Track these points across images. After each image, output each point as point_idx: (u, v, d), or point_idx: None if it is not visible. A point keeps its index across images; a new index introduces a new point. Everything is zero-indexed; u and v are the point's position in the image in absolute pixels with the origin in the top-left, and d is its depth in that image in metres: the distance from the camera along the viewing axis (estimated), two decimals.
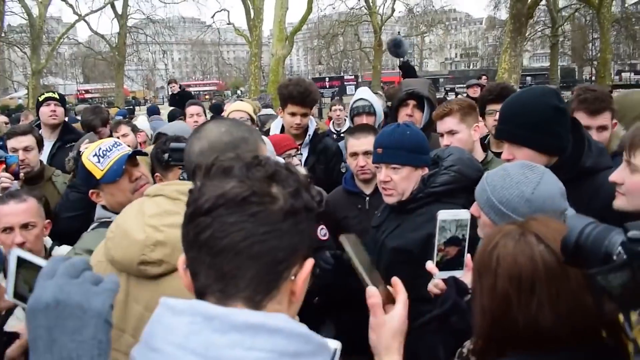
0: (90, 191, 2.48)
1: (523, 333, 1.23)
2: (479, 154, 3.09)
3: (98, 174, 2.41)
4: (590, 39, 50.08)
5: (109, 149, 2.46)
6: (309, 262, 1.04)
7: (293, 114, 3.93)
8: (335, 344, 1.05)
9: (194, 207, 0.97)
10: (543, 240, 1.26)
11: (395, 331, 1.23)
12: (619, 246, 0.97)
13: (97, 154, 2.44)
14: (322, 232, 2.91)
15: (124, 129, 5.16)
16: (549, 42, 43.54)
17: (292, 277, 1.01)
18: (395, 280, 1.30)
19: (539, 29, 46.66)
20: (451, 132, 3.06)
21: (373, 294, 1.23)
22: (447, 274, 1.83)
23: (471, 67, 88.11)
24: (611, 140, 2.94)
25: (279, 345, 0.91)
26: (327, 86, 26.82)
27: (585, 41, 52.59)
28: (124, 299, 1.62)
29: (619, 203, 1.95)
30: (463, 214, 1.84)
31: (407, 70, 5.53)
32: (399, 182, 2.52)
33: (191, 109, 6.06)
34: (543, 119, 2.27)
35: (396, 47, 5.79)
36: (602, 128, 2.94)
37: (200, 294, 0.98)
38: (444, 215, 1.82)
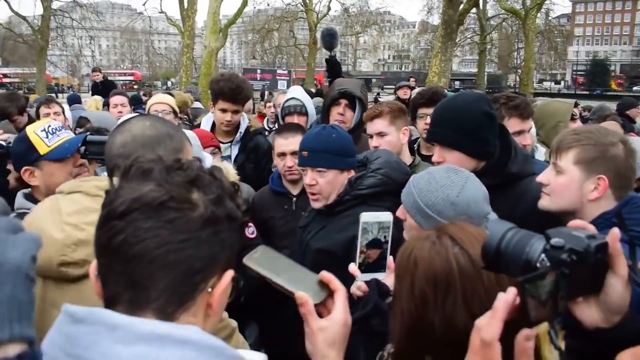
0: (25, 168, 2.31)
1: (440, 336, 1.21)
2: (407, 157, 3.14)
3: (43, 149, 2.29)
4: (516, 48, 52.44)
5: (59, 129, 2.38)
6: (229, 274, 0.98)
7: (224, 111, 3.84)
8: (260, 357, 1.02)
9: (108, 209, 0.92)
10: (458, 243, 1.26)
11: (332, 339, 1.17)
12: (542, 253, 0.96)
13: (45, 130, 2.34)
14: (250, 230, 2.86)
15: (56, 107, 4.85)
16: (478, 48, 45.00)
17: (210, 289, 0.94)
18: (329, 276, 1.23)
19: (468, 36, 48.32)
20: (380, 134, 3.09)
21: (303, 303, 1.16)
22: (369, 276, 1.81)
23: (403, 69, 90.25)
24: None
25: (188, 358, 0.84)
26: (259, 78, 25.03)
27: (511, 50, 54.98)
28: (41, 305, 1.51)
29: (544, 203, 2.04)
30: (385, 216, 1.82)
31: (333, 66, 5.46)
32: (325, 185, 2.49)
33: (115, 99, 5.81)
34: (474, 125, 2.32)
35: (331, 37, 5.69)
36: (528, 132, 3.05)
37: (109, 303, 0.92)
38: (367, 217, 1.80)
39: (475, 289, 1.20)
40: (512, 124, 2.81)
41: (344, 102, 3.59)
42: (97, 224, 0.93)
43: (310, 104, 4.27)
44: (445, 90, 4.28)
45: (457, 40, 26.65)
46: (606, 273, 1.03)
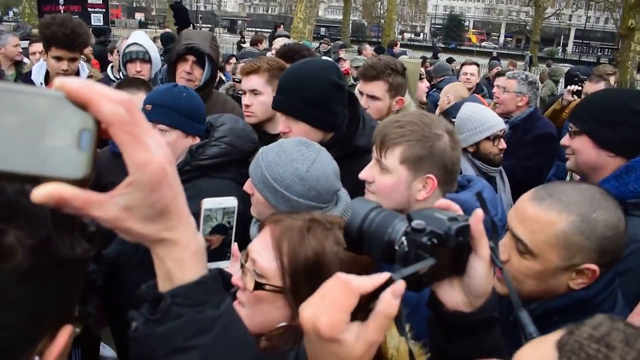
0: None
1: None
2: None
3: None
4: None
5: None
6: (65, 332, 0.72)
7: (59, 59, 3.52)
8: None
9: None
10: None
11: (133, 201, 0.73)
12: (402, 236, 0.93)
13: None
14: None
15: None
16: None
17: (36, 358, 0.69)
18: (75, 88, 0.67)
19: None
20: (254, 92, 2.80)
21: (59, 196, 0.62)
22: (212, 266, 1.67)
23: (270, 11, 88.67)
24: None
25: None
26: (62, 11, 17.63)
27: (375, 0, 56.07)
28: None
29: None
30: (229, 202, 1.71)
31: (179, 12, 5.06)
32: None
33: None
34: (322, 95, 2.22)
35: None
36: (373, 97, 3.02)
37: None
38: (209, 203, 1.67)
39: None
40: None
41: (191, 58, 3.26)
42: None
43: (155, 51, 3.97)
44: (307, 48, 4.07)
45: None
46: (469, 255, 1.01)
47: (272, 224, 1.29)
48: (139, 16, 63.82)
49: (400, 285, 0.82)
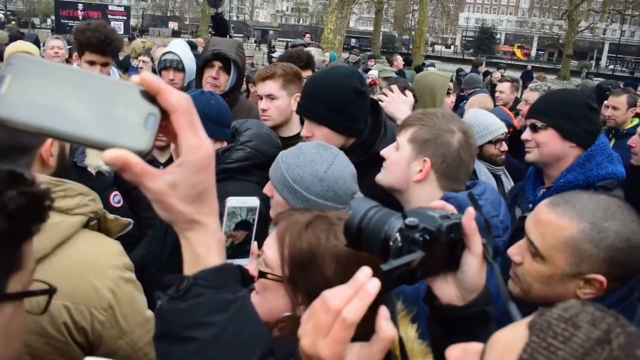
0: None
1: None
2: (295, 126, 3.01)
3: None
4: (411, 10, 53.58)
5: None
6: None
7: (92, 63, 3.60)
8: None
9: None
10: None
11: (190, 190, 0.84)
12: (397, 232, 0.98)
13: None
14: (116, 198, 2.65)
15: None
16: (375, 7, 45.47)
17: None
18: (152, 81, 0.80)
19: None
20: (270, 97, 2.94)
21: (124, 163, 0.73)
22: (232, 263, 1.73)
23: (301, 22, 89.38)
24: None
25: None
26: (80, 17, 16.59)
27: (407, 11, 56.16)
28: None
29: (379, 176, 2.03)
30: (252, 201, 1.77)
31: (219, 23, 5.23)
32: None
33: None
34: (343, 101, 2.28)
35: None
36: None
37: None
38: (233, 202, 1.73)
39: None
40: None
41: (217, 64, 3.37)
42: None
43: (190, 60, 4.03)
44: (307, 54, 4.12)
45: None
46: (463, 252, 1.06)
47: (282, 218, 1.34)
48: (173, 25, 64.92)
49: (384, 310, 0.91)
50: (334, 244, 1.20)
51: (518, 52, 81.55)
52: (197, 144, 0.79)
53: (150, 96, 0.76)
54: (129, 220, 1.71)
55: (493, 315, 1.11)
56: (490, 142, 3.22)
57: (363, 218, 1.03)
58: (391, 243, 0.97)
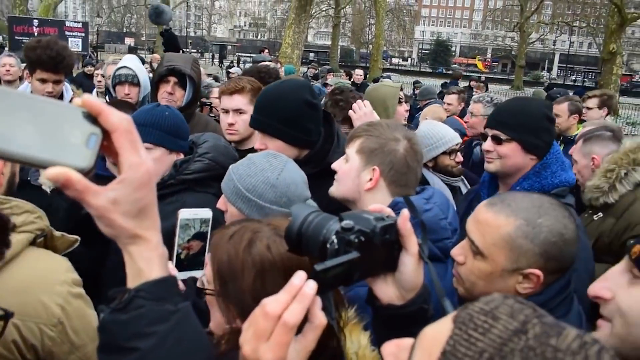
0: None
1: None
2: (256, 139, 2.97)
3: None
4: (368, 24, 54.29)
5: None
6: None
7: (43, 81, 3.54)
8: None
9: None
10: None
11: (131, 206, 0.88)
12: (334, 235, 1.01)
13: None
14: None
15: None
16: (332, 22, 45.89)
17: None
18: (94, 105, 0.85)
19: (323, 8, 49.04)
20: (238, 111, 2.95)
21: (66, 180, 0.78)
22: (186, 275, 1.76)
23: (259, 37, 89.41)
24: None
25: None
26: (36, 34, 15.66)
27: (363, 25, 56.86)
28: None
29: (332, 189, 2.06)
30: (204, 213, 1.79)
31: (169, 39, 5.20)
32: None
33: None
34: (295, 113, 2.32)
35: (157, 16, 5.37)
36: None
37: None
38: (185, 214, 1.75)
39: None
40: None
41: (172, 79, 3.36)
42: None
43: (144, 74, 4.04)
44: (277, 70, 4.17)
45: (312, 12, 26.91)
46: (400, 252, 1.11)
47: (217, 232, 1.35)
48: (129, 41, 64.06)
49: (317, 299, 0.94)
50: (253, 252, 1.20)
51: (479, 64, 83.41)
52: (137, 162, 0.84)
53: (92, 117, 0.81)
54: (76, 237, 1.71)
55: (432, 313, 1.16)
56: (444, 152, 3.17)
57: (303, 223, 1.06)
58: (328, 245, 1.00)
